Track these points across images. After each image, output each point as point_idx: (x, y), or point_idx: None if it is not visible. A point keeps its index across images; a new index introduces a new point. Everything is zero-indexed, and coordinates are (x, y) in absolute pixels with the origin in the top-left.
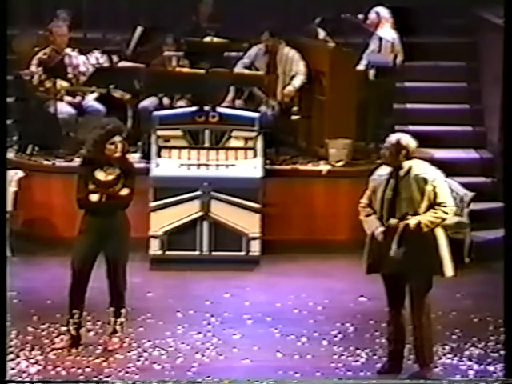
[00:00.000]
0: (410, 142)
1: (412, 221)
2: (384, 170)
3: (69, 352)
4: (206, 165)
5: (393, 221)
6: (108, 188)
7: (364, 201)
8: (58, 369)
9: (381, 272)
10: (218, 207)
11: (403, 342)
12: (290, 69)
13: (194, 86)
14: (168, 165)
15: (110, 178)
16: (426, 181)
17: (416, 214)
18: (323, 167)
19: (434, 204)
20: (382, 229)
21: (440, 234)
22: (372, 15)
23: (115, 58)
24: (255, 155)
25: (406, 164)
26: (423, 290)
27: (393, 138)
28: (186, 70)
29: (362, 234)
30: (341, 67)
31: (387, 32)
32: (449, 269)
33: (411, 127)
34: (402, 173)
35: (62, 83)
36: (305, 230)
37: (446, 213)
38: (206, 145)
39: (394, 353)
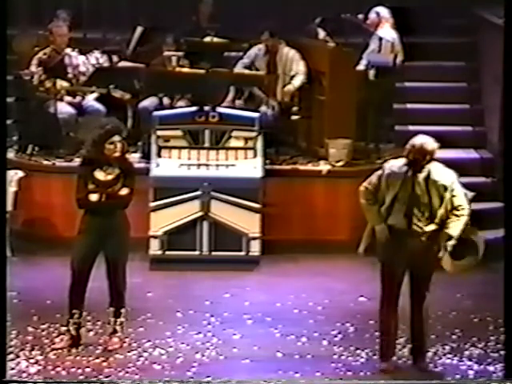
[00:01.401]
0: (434, 146)
1: (452, 241)
2: (399, 166)
3: (69, 352)
4: (206, 165)
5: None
6: (108, 188)
7: (370, 187)
8: (58, 369)
9: (388, 265)
10: (218, 207)
11: (396, 336)
12: (289, 69)
13: (194, 86)
14: (168, 165)
15: (110, 177)
16: (445, 188)
17: (432, 217)
18: (323, 167)
19: (451, 208)
20: (386, 232)
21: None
22: (372, 15)
23: (115, 58)
24: (255, 155)
25: (426, 168)
26: (426, 280)
27: (417, 141)
28: (185, 70)
29: (361, 233)
30: (341, 67)
31: (387, 32)
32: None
33: (411, 127)
34: (421, 176)
35: (62, 83)
36: (305, 229)
37: (464, 215)
38: (206, 145)
39: (387, 348)
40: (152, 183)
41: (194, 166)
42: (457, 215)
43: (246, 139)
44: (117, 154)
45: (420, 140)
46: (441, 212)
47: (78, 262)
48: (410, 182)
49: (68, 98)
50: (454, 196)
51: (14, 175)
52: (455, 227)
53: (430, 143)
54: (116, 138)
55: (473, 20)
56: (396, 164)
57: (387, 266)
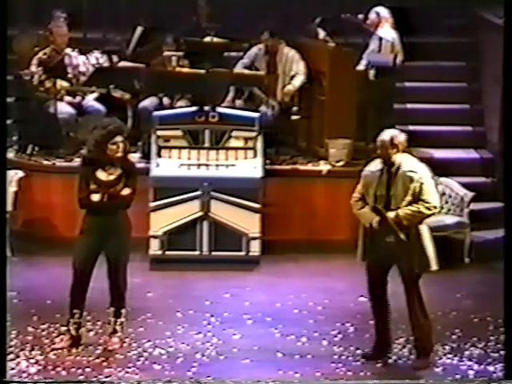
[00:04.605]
0: (402, 139)
1: (391, 213)
2: (375, 166)
3: (69, 352)
4: (206, 165)
5: (376, 217)
6: (109, 188)
7: (356, 195)
8: (58, 369)
9: (369, 261)
10: (218, 207)
11: (389, 333)
12: (289, 69)
13: (194, 86)
14: (168, 165)
15: (112, 177)
16: (411, 179)
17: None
18: (323, 167)
19: (417, 200)
20: (377, 218)
21: (424, 229)
22: (372, 15)
23: (115, 58)
24: (255, 155)
25: (397, 160)
26: (413, 282)
27: (385, 135)
28: (185, 70)
29: None
30: (341, 67)
31: (387, 32)
32: (433, 263)
33: (411, 127)
34: (393, 169)
35: (62, 83)
36: (305, 229)
37: (428, 208)
38: (206, 145)
39: (381, 341)
40: (152, 183)
41: (194, 166)
42: (417, 204)
43: (246, 139)
44: (119, 155)
45: (382, 135)
46: (405, 202)
47: (80, 262)
48: (385, 179)
49: (68, 98)
50: (422, 189)
51: (14, 175)
52: (406, 209)
53: (397, 136)
54: (118, 138)
55: (473, 20)
56: (372, 165)
57: (368, 263)
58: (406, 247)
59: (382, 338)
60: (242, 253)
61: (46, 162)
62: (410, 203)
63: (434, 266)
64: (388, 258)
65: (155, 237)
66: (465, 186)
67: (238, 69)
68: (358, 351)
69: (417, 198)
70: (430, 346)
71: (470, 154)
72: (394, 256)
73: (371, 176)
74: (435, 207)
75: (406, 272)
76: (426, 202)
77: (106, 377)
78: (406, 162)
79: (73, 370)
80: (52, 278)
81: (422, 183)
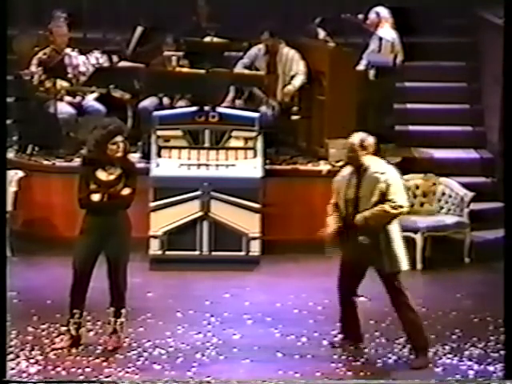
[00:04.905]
0: (371, 141)
1: (357, 216)
2: (346, 171)
3: (69, 352)
4: (206, 165)
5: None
6: (109, 188)
7: (332, 201)
8: (58, 369)
9: (342, 260)
10: (218, 207)
11: (355, 324)
12: (289, 69)
13: (194, 86)
14: (168, 165)
15: (112, 177)
16: (378, 180)
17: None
18: (323, 167)
19: (384, 201)
20: (331, 228)
21: (392, 230)
22: (372, 15)
23: (115, 58)
24: (255, 155)
25: (366, 163)
26: (390, 282)
27: (355, 138)
28: (185, 70)
29: None
30: (341, 67)
31: (387, 32)
32: (403, 264)
33: (411, 127)
34: (361, 171)
35: (62, 83)
36: (305, 229)
37: (394, 208)
38: (206, 145)
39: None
40: (152, 183)
41: (194, 166)
42: (382, 204)
43: (246, 139)
44: (119, 154)
45: (351, 138)
46: (372, 203)
47: (80, 262)
48: (354, 182)
49: (68, 98)
50: (389, 190)
51: (14, 175)
52: (372, 210)
53: (367, 139)
54: (118, 138)
55: (473, 20)
56: (344, 170)
57: (341, 263)
58: (376, 249)
59: (350, 329)
60: (242, 253)
61: (46, 162)
62: (376, 204)
63: (404, 267)
64: (360, 260)
65: (155, 237)
66: (465, 186)
67: (238, 69)
68: (357, 351)
69: (383, 198)
70: (424, 341)
71: (470, 154)
72: (365, 257)
73: (341, 180)
74: (401, 206)
75: (381, 273)
76: (392, 202)
77: (106, 377)
78: (374, 164)
79: (73, 370)
80: (52, 277)
81: (388, 184)
